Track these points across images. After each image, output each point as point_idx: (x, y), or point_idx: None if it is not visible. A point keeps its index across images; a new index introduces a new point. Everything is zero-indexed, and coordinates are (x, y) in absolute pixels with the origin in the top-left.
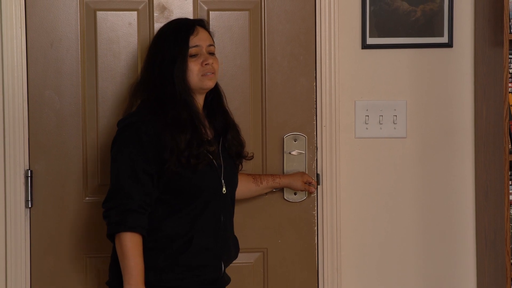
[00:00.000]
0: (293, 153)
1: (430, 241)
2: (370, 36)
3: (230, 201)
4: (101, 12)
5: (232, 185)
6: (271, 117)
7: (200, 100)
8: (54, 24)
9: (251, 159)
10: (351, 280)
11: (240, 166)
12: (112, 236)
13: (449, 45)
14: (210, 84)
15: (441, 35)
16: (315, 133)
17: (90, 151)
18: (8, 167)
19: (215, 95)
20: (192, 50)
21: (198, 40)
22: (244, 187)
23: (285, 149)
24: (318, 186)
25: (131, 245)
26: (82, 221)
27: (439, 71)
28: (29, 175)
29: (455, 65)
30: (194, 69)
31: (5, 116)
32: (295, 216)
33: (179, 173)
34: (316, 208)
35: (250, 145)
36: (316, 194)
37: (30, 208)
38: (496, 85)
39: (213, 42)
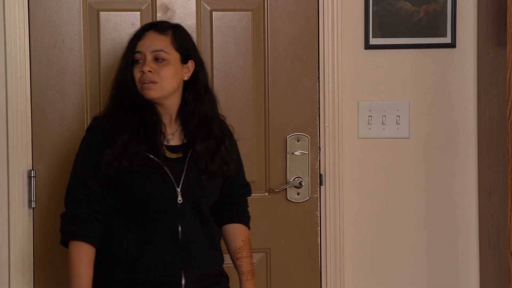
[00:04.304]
0: (296, 153)
1: (433, 242)
2: (373, 37)
3: (194, 211)
4: (104, 12)
5: (196, 196)
6: (274, 118)
7: (170, 101)
8: (57, 24)
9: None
10: (354, 280)
11: (207, 181)
12: (64, 244)
13: (452, 45)
14: (150, 95)
15: (444, 35)
16: (318, 133)
17: None
18: (11, 167)
19: (193, 99)
20: (135, 56)
21: (142, 45)
22: (229, 242)
23: (288, 150)
24: (321, 187)
25: (75, 255)
26: None
27: (442, 71)
28: (32, 175)
29: (458, 66)
30: (135, 76)
31: (8, 116)
32: (298, 217)
33: (121, 179)
34: (319, 208)
35: (253, 145)
36: (319, 194)
37: (33, 208)
38: (500, 85)
39: (171, 48)
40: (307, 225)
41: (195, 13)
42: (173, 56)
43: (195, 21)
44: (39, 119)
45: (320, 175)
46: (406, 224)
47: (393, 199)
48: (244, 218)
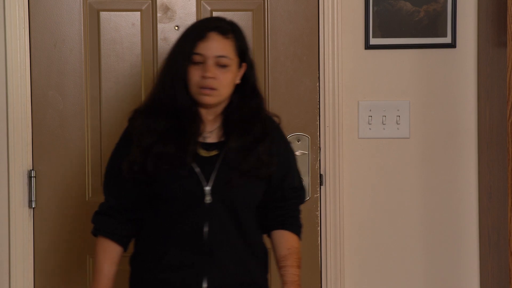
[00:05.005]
0: (296, 153)
1: (433, 242)
2: (373, 37)
3: (227, 213)
4: (104, 12)
5: (227, 196)
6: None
7: (220, 105)
8: (57, 24)
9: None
10: (354, 280)
11: (238, 180)
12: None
13: (452, 45)
14: (207, 101)
15: (445, 35)
16: (318, 133)
17: (93, 151)
18: (11, 167)
19: (238, 99)
20: (195, 57)
21: (204, 48)
22: (275, 249)
23: None
24: (322, 187)
25: (100, 250)
26: (85, 222)
27: (443, 71)
28: (32, 175)
29: (459, 66)
30: (192, 78)
31: (9, 116)
32: None
33: (147, 177)
34: (319, 208)
35: None
36: (319, 194)
37: (33, 208)
38: (500, 86)
39: (233, 53)
40: (307, 225)
41: (195, 13)
42: (234, 61)
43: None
44: (39, 119)
45: (320, 175)
46: (406, 224)
47: (393, 199)
48: (292, 225)
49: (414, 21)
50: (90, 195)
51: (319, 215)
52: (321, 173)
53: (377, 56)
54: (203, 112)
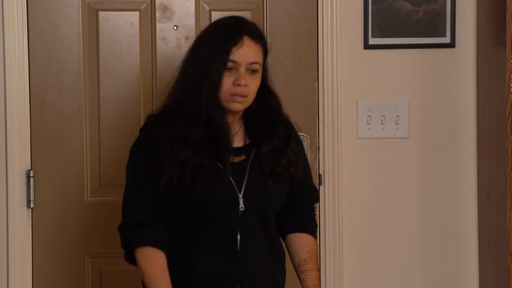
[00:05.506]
0: None
1: (432, 242)
2: (372, 36)
3: (257, 219)
4: (103, 12)
5: (261, 202)
6: None
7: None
8: (56, 24)
9: (301, 186)
10: (354, 280)
11: (273, 185)
12: (129, 258)
13: (451, 45)
14: (237, 108)
15: (444, 35)
16: (317, 133)
17: (92, 151)
18: (9, 167)
19: (257, 100)
20: (229, 64)
21: (239, 54)
22: (293, 253)
23: None
24: (320, 187)
25: (145, 262)
26: (83, 222)
27: (442, 71)
28: (31, 175)
29: (458, 65)
30: (224, 85)
31: (7, 116)
32: None
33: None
34: (318, 208)
35: None
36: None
37: (31, 208)
38: (499, 85)
39: (262, 58)
40: None
41: (194, 13)
42: (261, 66)
43: (194, 21)
44: (38, 119)
45: (320, 175)
46: (405, 224)
47: (392, 199)
48: (310, 227)
49: (413, 20)
50: (88, 195)
51: (318, 215)
52: (320, 173)
53: (376, 56)
54: (227, 116)
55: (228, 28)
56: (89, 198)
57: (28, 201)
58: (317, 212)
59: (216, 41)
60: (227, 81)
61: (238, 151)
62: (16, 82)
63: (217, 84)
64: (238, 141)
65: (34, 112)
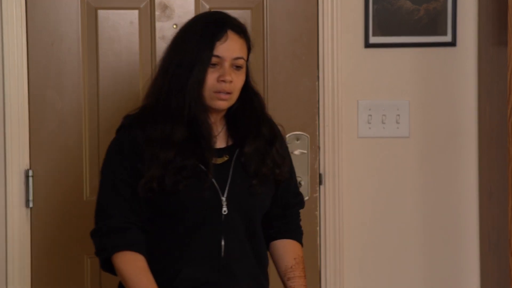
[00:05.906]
0: (296, 152)
1: (433, 242)
2: (373, 35)
3: (242, 223)
4: (102, 10)
5: (245, 205)
6: (273, 117)
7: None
8: (55, 23)
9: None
10: (354, 280)
11: (258, 186)
12: (105, 265)
13: (452, 44)
14: (221, 106)
15: (445, 34)
16: (317, 132)
17: (91, 151)
18: (8, 166)
19: (241, 99)
20: (213, 59)
21: (223, 50)
22: (279, 260)
23: None
24: (321, 186)
25: (125, 266)
26: (82, 221)
27: (443, 70)
28: (30, 175)
29: (459, 64)
30: (208, 81)
31: (6, 116)
32: None
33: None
34: (318, 208)
35: None
36: (318, 194)
37: (30, 208)
38: (500, 85)
39: (246, 53)
40: (306, 225)
41: (193, 12)
42: (245, 62)
43: None
44: (37, 119)
45: (320, 175)
46: (406, 224)
47: (393, 198)
48: (296, 233)
49: (414, 19)
50: (87, 195)
51: (318, 214)
52: (321, 172)
53: (376, 55)
54: (210, 116)
55: (211, 23)
56: (88, 198)
57: (27, 200)
58: (317, 212)
59: (199, 36)
60: (211, 77)
61: (220, 152)
62: (15, 81)
63: (201, 81)
64: (220, 142)
65: (33, 111)
